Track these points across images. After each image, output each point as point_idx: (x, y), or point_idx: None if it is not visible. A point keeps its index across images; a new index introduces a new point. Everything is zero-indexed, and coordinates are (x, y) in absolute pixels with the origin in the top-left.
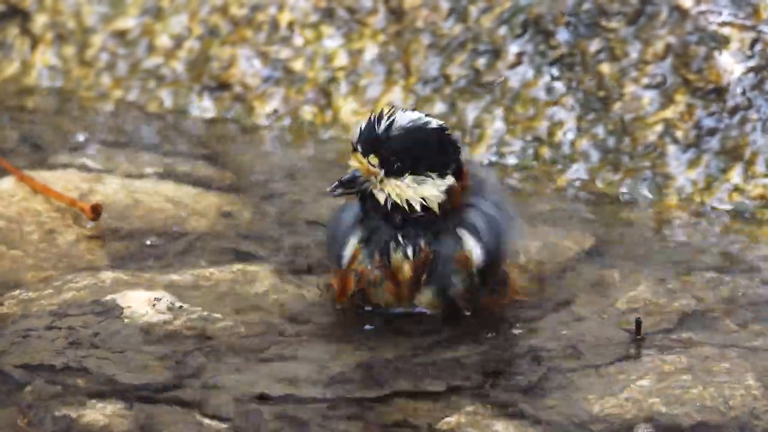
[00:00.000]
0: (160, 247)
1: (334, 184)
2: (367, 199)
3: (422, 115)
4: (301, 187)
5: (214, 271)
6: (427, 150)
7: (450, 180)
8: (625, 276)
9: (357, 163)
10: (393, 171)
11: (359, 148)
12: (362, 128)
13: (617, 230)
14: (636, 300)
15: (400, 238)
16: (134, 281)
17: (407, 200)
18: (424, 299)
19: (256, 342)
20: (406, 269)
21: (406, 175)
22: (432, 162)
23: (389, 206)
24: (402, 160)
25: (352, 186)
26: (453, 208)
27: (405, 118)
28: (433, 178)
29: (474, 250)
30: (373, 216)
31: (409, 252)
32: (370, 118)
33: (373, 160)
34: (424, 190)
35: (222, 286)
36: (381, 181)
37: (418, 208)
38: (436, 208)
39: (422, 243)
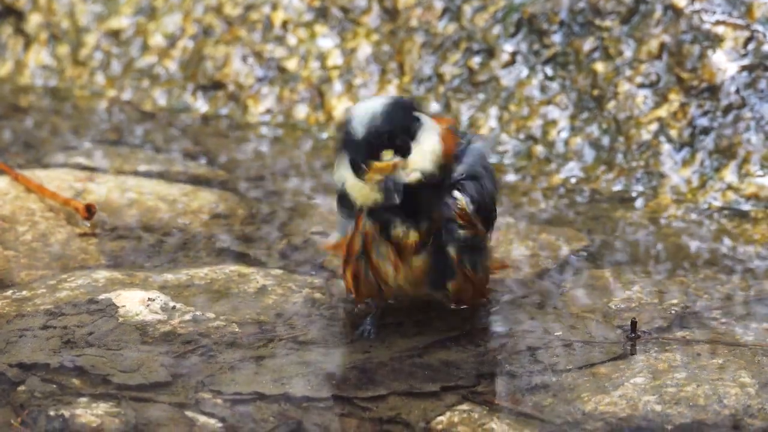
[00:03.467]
0: (154, 246)
1: (383, 204)
2: (400, 192)
3: (374, 99)
4: (295, 186)
5: (208, 271)
6: (406, 119)
7: (429, 124)
8: (619, 275)
9: (379, 173)
10: (404, 150)
11: (369, 156)
12: (355, 140)
13: (611, 229)
14: (630, 299)
15: (400, 219)
16: (128, 281)
17: (427, 166)
18: (417, 262)
19: (250, 342)
20: (412, 238)
21: (412, 144)
22: (414, 128)
23: (416, 184)
24: (403, 136)
25: (392, 195)
26: (448, 161)
27: (365, 108)
28: (421, 140)
29: (466, 201)
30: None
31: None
32: (353, 128)
33: (387, 154)
34: (428, 145)
35: (216, 286)
36: (405, 166)
37: (436, 169)
38: (442, 158)
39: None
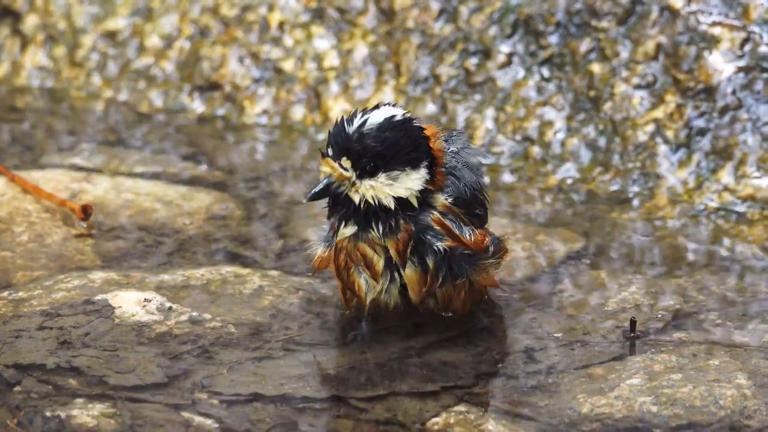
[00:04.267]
0: (150, 247)
1: (309, 194)
2: (340, 201)
3: (389, 109)
4: (291, 187)
5: (204, 272)
6: (397, 146)
7: (424, 171)
8: (616, 276)
9: (329, 168)
10: (366, 172)
11: (330, 152)
12: (331, 132)
13: (608, 230)
14: (626, 300)
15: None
16: (125, 281)
17: (380, 199)
18: (408, 272)
19: (246, 343)
20: (392, 247)
21: (380, 174)
22: (404, 157)
23: (362, 206)
24: (373, 160)
25: (326, 194)
26: (432, 192)
27: (372, 117)
28: (406, 172)
29: (443, 196)
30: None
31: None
32: (338, 121)
33: (345, 163)
34: (399, 186)
35: (212, 287)
36: (354, 184)
37: (391, 206)
38: (414, 203)
39: (399, 223)
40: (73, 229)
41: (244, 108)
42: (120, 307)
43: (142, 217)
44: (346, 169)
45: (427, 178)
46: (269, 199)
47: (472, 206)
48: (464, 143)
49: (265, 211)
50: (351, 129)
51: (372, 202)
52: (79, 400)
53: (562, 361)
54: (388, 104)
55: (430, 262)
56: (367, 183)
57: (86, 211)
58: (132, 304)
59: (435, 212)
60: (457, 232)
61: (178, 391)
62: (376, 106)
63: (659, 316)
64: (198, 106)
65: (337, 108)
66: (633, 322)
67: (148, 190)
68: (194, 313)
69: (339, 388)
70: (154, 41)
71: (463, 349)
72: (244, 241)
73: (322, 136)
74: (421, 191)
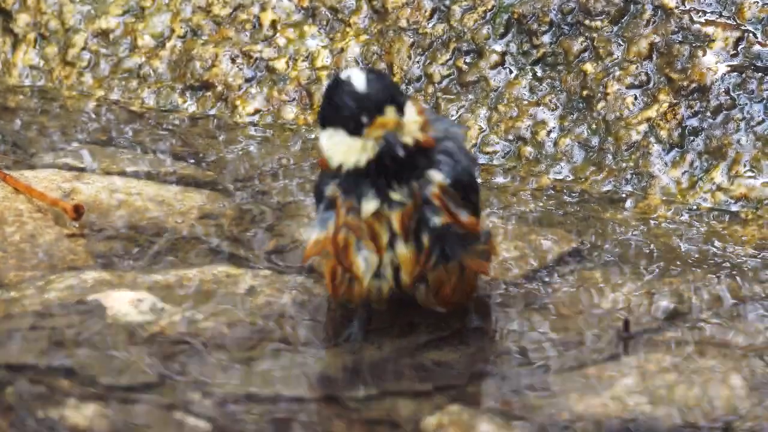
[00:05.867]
0: (142, 247)
1: (394, 151)
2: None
3: (352, 70)
4: (284, 186)
5: (196, 272)
6: (396, 89)
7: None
8: (609, 276)
9: (381, 129)
10: (402, 110)
11: (366, 119)
12: (347, 99)
13: (601, 230)
14: (620, 300)
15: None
16: (117, 281)
17: (417, 134)
18: (401, 250)
19: (239, 343)
20: (396, 219)
21: (405, 108)
22: (400, 98)
23: (411, 148)
24: (396, 103)
25: (395, 147)
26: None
27: (359, 74)
28: (409, 114)
29: (442, 176)
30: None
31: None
32: (342, 88)
33: (390, 111)
34: (411, 120)
35: (205, 287)
36: (402, 127)
37: (420, 137)
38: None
39: (408, 190)
40: (65, 228)
41: (237, 107)
42: (112, 307)
43: (134, 217)
44: (394, 115)
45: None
46: (262, 199)
47: (467, 191)
48: (450, 123)
49: (257, 211)
50: (362, 86)
51: (412, 140)
52: (72, 401)
53: (556, 361)
54: (348, 69)
55: (425, 239)
56: (407, 120)
57: (78, 211)
58: (124, 304)
59: (434, 187)
60: (454, 210)
61: (170, 392)
62: (339, 73)
63: (653, 316)
64: (190, 105)
65: None
66: (627, 322)
67: (140, 189)
68: (187, 313)
69: (332, 388)
70: (146, 40)
71: (456, 349)
72: (236, 241)
73: (315, 136)
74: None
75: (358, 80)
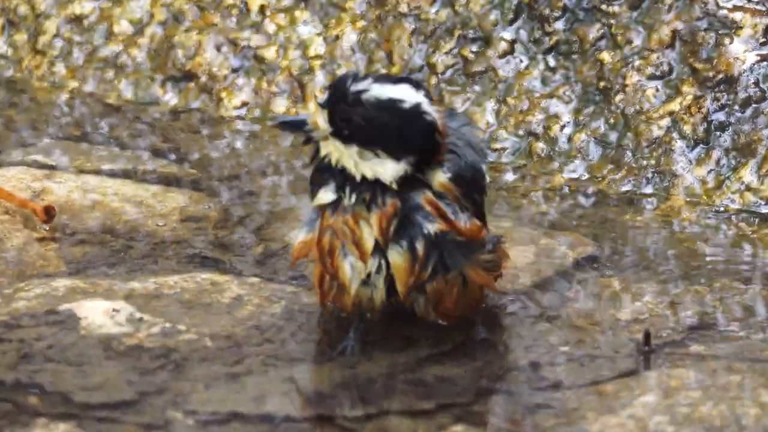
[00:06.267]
0: (119, 252)
1: (280, 119)
2: (316, 149)
3: (405, 89)
4: (273, 186)
5: (178, 280)
6: (384, 132)
7: (403, 166)
8: (628, 285)
9: (312, 111)
10: (341, 135)
11: (322, 99)
12: (336, 82)
13: (619, 234)
14: (640, 310)
15: (352, 192)
16: (91, 290)
17: (341, 164)
18: (395, 257)
19: (224, 357)
20: (374, 222)
21: (353, 144)
22: (387, 146)
23: (326, 161)
24: (353, 131)
25: (296, 129)
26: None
27: (379, 89)
28: (381, 159)
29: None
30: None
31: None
32: (349, 73)
33: (325, 114)
34: (365, 166)
35: (187, 296)
36: (325, 138)
37: (357, 178)
38: (389, 182)
39: (385, 196)
40: (34, 232)
41: (222, 100)
42: (86, 317)
43: (110, 219)
44: (324, 122)
45: (406, 173)
46: (249, 200)
47: (471, 188)
48: (464, 121)
49: (244, 213)
50: (353, 87)
51: (334, 163)
52: (42, 420)
53: (569, 377)
54: (412, 80)
55: (419, 247)
56: (337, 144)
57: (49, 213)
58: (99, 314)
59: (428, 192)
60: (451, 217)
61: (149, 410)
62: (397, 79)
63: (676, 327)
64: (171, 97)
65: None
66: (647, 335)
67: (117, 189)
68: (167, 325)
69: (325, 406)
70: (123, 27)
71: (460, 363)
72: (221, 246)
73: None
74: (403, 177)
75: (366, 85)
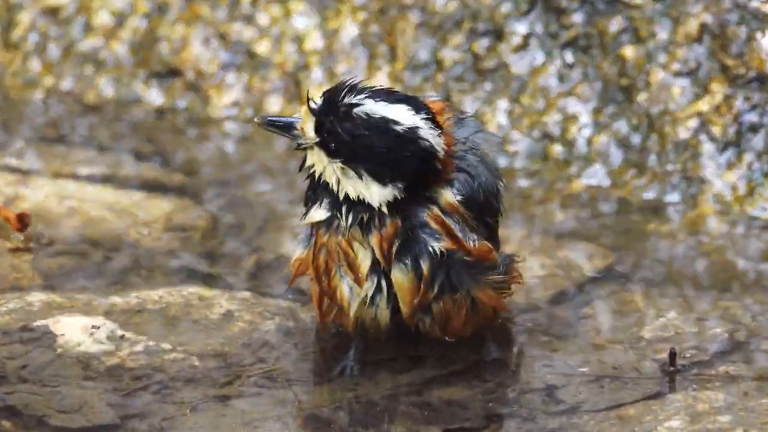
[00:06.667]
0: (99, 264)
1: (266, 118)
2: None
3: (402, 111)
4: (266, 192)
5: (163, 294)
6: (371, 154)
7: (389, 191)
8: (652, 299)
9: (302, 115)
10: (326, 147)
11: (313, 104)
12: (331, 90)
13: (642, 245)
14: (665, 327)
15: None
16: (69, 304)
17: (324, 179)
18: (398, 277)
19: (213, 378)
20: (374, 244)
21: (338, 160)
22: (372, 168)
23: (309, 174)
24: (338, 145)
25: (283, 130)
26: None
27: (373, 104)
28: (365, 181)
29: (452, 194)
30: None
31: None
32: (346, 81)
33: (313, 123)
34: (348, 184)
35: (173, 312)
36: (311, 148)
37: (340, 196)
38: (375, 206)
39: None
40: (7, 242)
41: (211, 98)
42: (63, 334)
43: (90, 228)
44: (312, 130)
45: (396, 199)
46: (240, 207)
47: (483, 212)
48: (476, 127)
49: (235, 221)
50: (347, 99)
51: (317, 176)
52: None
53: (588, 400)
54: (415, 100)
55: (424, 266)
56: (322, 156)
57: (23, 221)
58: (77, 331)
59: (435, 208)
60: (459, 234)
61: None
62: (398, 97)
63: (703, 346)
64: (155, 96)
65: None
66: (672, 354)
67: (96, 195)
68: (151, 343)
69: (323, 431)
70: (103, 19)
71: (470, 385)
72: (210, 257)
73: None
74: (391, 202)
75: (355, 94)
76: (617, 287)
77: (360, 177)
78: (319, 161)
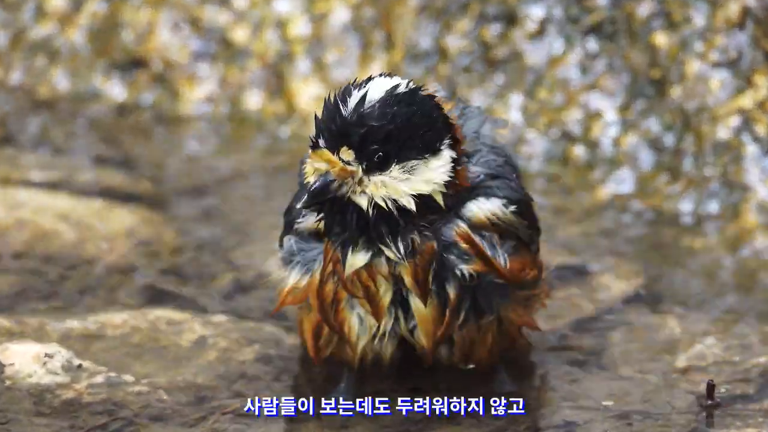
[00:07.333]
0: (53, 283)
1: (306, 199)
2: (340, 210)
3: (387, 80)
4: (243, 200)
5: (126, 318)
6: (410, 125)
7: (447, 154)
8: (688, 324)
9: (324, 163)
10: (374, 164)
11: (322, 142)
12: (321, 116)
13: (676, 262)
14: (702, 356)
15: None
16: (18, 329)
17: (396, 200)
18: (419, 307)
19: (183, 413)
20: (406, 275)
21: (393, 165)
22: (420, 139)
23: (372, 213)
24: (383, 146)
25: (324, 196)
26: (458, 191)
27: (371, 91)
28: (426, 160)
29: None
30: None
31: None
32: (328, 100)
33: (347, 154)
34: (418, 180)
35: (137, 338)
36: (360, 182)
37: (412, 207)
38: (440, 200)
39: (415, 238)
40: None
41: (180, 93)
42: (12, 364)
43: (42, 243)
44: (348, 163)
45: (453, 162)
46: (214, 218)
47: (530, 216)
48: (481, 118)
49: (208, 234)
50: (347, 109)
51: (384, 204)
52: None
53: None
54: (383, 74)
55: (451, 292)
56: (378, 179)
57: None
58: (28, 360)
59: (462, 224)
60: (489, 253)
61: None
62: (370, 78)
63: (746, 377)
64: (117, 90)
65: (306, 93)
66: (710, 386)
67: (50, 205)
68: (112, 374)
69: None
70: (57, 3)
71: (479, 422)
72: (179, 275)
73: (288, 131)
74: (447, 186)
75: (349, 98)
76: (647, 310)
77: (420, 159)
78: (379, 187)
